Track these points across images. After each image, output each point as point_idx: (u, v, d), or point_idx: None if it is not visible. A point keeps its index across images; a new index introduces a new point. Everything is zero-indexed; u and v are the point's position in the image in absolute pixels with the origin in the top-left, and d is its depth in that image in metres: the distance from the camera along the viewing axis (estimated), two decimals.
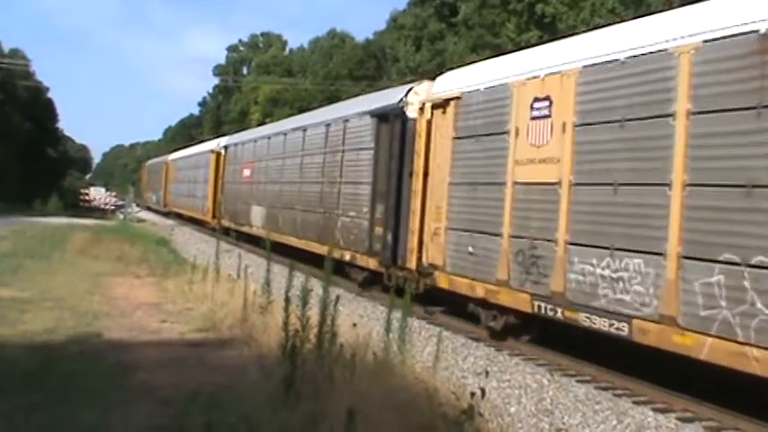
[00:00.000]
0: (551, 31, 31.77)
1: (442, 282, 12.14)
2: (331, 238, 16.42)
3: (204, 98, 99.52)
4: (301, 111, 35.82)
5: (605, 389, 8.64)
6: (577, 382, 8.95)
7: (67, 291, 12.36)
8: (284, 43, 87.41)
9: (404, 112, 13.62)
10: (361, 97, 19.29)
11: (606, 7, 30.96)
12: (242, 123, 65.02)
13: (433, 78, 13.93)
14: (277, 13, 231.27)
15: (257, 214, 23.94)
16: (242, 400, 5.90)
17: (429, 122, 13.00)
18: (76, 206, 55.17)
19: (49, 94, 65.47)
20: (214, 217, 31.55)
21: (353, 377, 6.03)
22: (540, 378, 9.06)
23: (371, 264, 14.73)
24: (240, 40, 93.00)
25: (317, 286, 6.35)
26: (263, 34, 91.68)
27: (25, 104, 55.89)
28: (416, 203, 13.00)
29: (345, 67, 56.91)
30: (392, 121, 14.07)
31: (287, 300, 6.43)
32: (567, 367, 9.64)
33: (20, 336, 8.68)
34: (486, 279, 10.82)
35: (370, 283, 15.34)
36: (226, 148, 30.97)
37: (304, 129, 20.28)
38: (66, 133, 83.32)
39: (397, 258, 13.61)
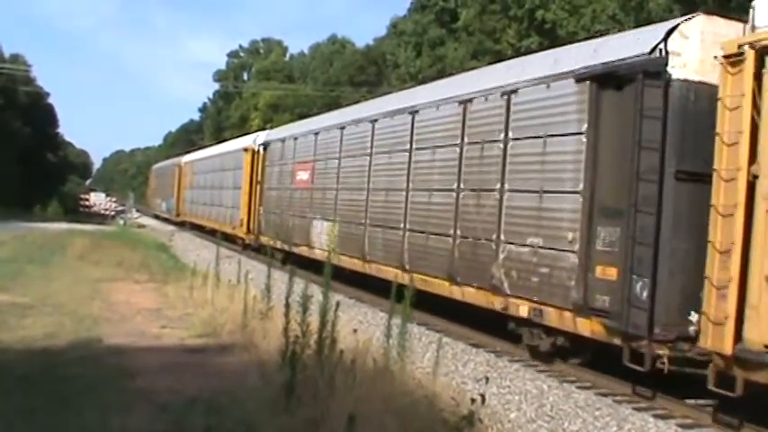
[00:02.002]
0: (552, 38, 31.83)
1: None
2: (481, 276, 10.86)
3: (204, 104, 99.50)
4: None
5: (605, 395, 8.63)
6: (578, 388, 8.93)
7: (67, 296, 12.36)
8: (285, 49, 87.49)
9: (662, 70, 8.26)
10: (539, 54, 12.35)
11: (607, 14, 30.99)
12: (242, 129, 64.97)
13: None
14: (278, 19, 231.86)
15: (322, 232, 17.83)
16: (242, 406, 5.90)
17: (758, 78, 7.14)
18: (76, 211, 55.33)
19: (50, 100, 65.63)
20: (249, 231, 25.31)
21: (354, 383, 6.02)
22: (540, 384, 9.04)
23: (585, 327, 8.97)
24: (241, 46, 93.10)
25: (317, 292, 6.36)
26: (263, 40, 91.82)
27: (26, 110, 55.95)
28: (735, 230, 7.11)
29: (346, 72, 56.95)
30: (633, 85, 8.52)
31: (287, 305, 6.44)
32: (568, 373, 9.63)
33: (19, 341, 8.68)
34: None
35: (572, 354, 9.94)
36: (266, 145, 24.31)
37: (412, 111, 13.83)
38: (67, 138, 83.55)
39: (654, 325, 8.00)
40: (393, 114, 14.75)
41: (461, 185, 11.65)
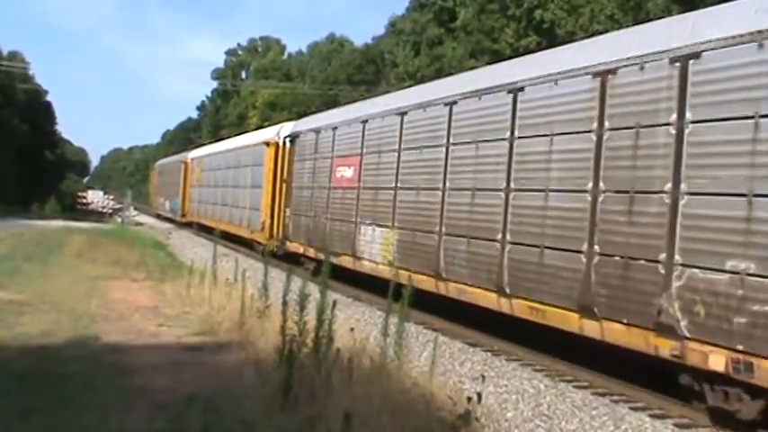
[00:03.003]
0: (550, 37, 31.86)
1: None
2: (638, 309, 8.10)
3: (203, 102, 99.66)
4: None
5: (602, 394, 8.64)
6: (574, 387, 8.94)
7: (65, 294, 12.35)
8: (283, 47, 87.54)
9: None
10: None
11: (605, 13, 31.03)
12: (240, 127, 64.97)
13: None
14: (276, 18, 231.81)
15: (373, 241, 14.85)
16: (239, 404, 5.91)
17: None
18: (74, 209, 55.23)
19: (48, 97, 65.55)
20: (272, 236, 22.21)
21: (351, 381, 6.03)
22: (537, 383, 9.05)
23: None
24: (239, 44, 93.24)
25: (314, 291, 6.37)
26: (261, 38, 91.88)
27: (24, 107, 55.89)
28: None
29: (344, 71, 56.94)
30: None
31: (284, 304, 6.44)
32: (565, 373, 9.64)
33: (16, 338, 8.67)
34: None
35: None
36: (293, 137, 21.00)
37: (513, 88, 10.65)
38: (65, 136, 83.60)
39: None
40: (481, 94, 11.52)
41: (601, 185, 8.83)
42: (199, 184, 37.41)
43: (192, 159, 40.56)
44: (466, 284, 11.31)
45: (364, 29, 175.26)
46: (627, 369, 8.95)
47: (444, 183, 12.28)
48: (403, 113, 14.14)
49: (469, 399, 4.92)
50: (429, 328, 12.25)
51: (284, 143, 21.82)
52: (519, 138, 10.45)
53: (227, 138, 42.31)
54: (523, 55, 14.82)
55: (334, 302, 6.56)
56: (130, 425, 5.71)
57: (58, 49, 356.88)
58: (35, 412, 5.87)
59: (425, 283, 12.05)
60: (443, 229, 12.08)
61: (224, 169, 31.30)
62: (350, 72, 56.25)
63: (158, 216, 51.80)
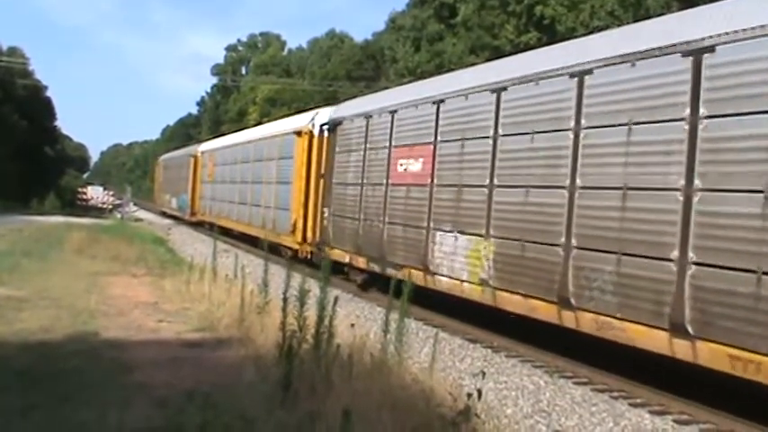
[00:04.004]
0: (550, 33, 31.84)
1: None
2: None
3: (202, 98, 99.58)
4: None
5: (602, 391, 8.65)
6: (574, 383, 8.95)
7: (64, 290, 12.33)
8: (283, 43, 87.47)
9: None
10: None
11: (605, 9, 30.99)
12: (240, 123, 64.97)
13: None
14: (276, 14, 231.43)
15: (455, 252, 11.75)
16: (239, 400, 5.90)
17: None
18: (74, 205, 55.21)
19: (48, 93, 65.51)
20: (306, 241, 19.32)
21: (351, 377, 6.03)
22: (537, 380, 9.06)
23: None
24: (239, 40, 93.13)
25: (314, 287, 6.36)
26: (261, 34, 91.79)
27: (23, 103, 55.82)
28: None
29: (344, 67, 56.88)
30: None
31: (285, 300, 6.43)
32: (564, 369, 9.65)
33: (16, 334, 8.66)
34: None
35: None
36: (333, 125, 17.70)
37: (691, 50, 7.79)
38: (64, 132, 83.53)
39: None
40: (636, 59, 8.50)
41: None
42: (211, 180, 34.41)
43: (203, 153, 37.61)
44: (613, 317, 8.45)
45: (364, 25, 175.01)
46: (626, 366, 8.95)
47: (573, 179, 9.27)
48: (500, 90, 10.95)
49: (469, 395, 4.91)
50: (429, 324, 12.25)
51: (320, 132, 18.61)
52: (708, 117, 7.54)
53: (236, 131, 40.16)
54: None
55: (336, 298, 6.56)
56: (130, 421, 5.70)
57: (57, 44, 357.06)
58: (34, 408, 5.86)
59: (541, 311, 9.69)
60: (573, 242, 9.15)
61: (241, 163, 28.31)
62: (350, 68, 56.18)
63: (163, 214, 48.97)
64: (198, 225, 35.78)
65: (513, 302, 10.22)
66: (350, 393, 5.49)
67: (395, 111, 14.38)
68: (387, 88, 20.99)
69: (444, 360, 9.53)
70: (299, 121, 21.66)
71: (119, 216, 44.30)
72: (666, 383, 8.37)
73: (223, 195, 31.24)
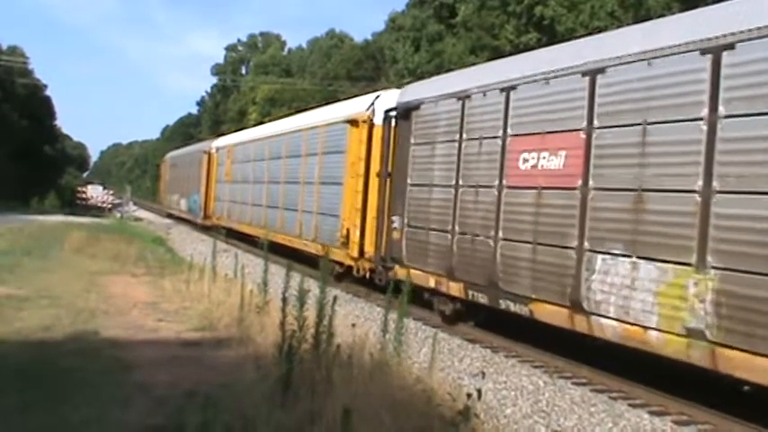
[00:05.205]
0: (550, 34, 31.85)
1: None
2: None
3: (202, 97, 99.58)
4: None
5: (601, 391, 8.65)
6: (573, 384, 8.96)
7: (64, 289, 12.34)
8: (283, 43, 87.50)
9: None
10: None
11: (605, 10, 31.01)
12: (240, 123, 64.97)
13: None
14: (276, 14, 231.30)
15: (635, 286, 8.13)
16: (238, 400, 5.90)
17: None
18: (73, 204, 55.19)
19: (47, 92, 65.57)
20: (363, 255, 15.50)
21: (350, 377, 6.04)
22: (536, 380, 9.07)
23: None
24: (239, 40, 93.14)
25: (314, 287, 6.37)
26: (261, 34, 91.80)
27: (23, 102, 55.89)
28: None
29: (344, 67, 56.90)
30: None
31: (284, 300, 6.44)
32: (564, 369, 9.65)
33: (16, 333, 8.67)
34: None
35: None
36: (407, 110, 13.72)
37: None
38: (64, 131, 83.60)
39: None
40: None
41: None
42: (229, 180, 30.08)
43: (218, 149, 33.35)
44: None
45: (364, 25, 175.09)
46: (626, 366, 8.96)
47: None
48: (722, 50, 7.40)
49: (469, 395, 4.91)
50: (428, 324, 12.25)
51: (386, 120, 14.65)
52: None
53: (257, 124, 37.13)
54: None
55: (335, 298, 6.57)
56: (130, 420, 5.72)
57: (57, 43, 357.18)
58: (34, 407, 5.87)
59: None
60: None
61: (269, 160, 24.24)
62: (350, 68, 56.20)
63: (170, 216, 45.24)
64: (210, 229, 30.59)
65: (754, 368, 6.75)
66: (350, 393, 5.50)
67: (512, 87, 10.65)
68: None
69: (444, 360, 9.54)
70: (353, 106, 17.45)
71: (118, 215, 44.30)
72: (666, 384, 8.38)
73: (245, 197, 27.08)
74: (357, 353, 6.77)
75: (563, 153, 9.49)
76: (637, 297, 8.09)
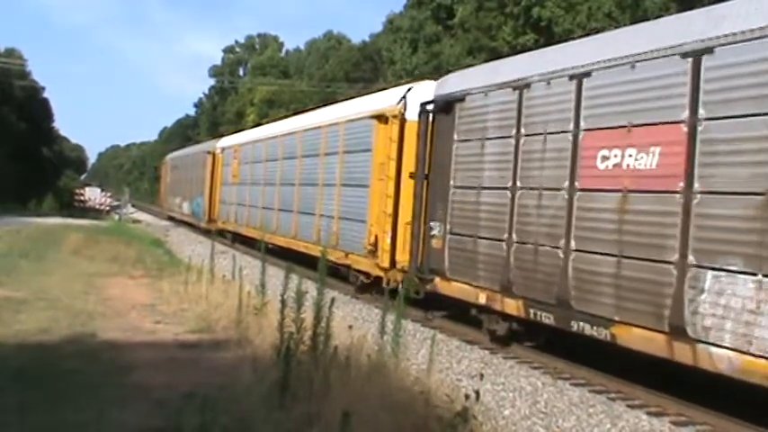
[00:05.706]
0: (548, 35, 31.87)
1: None
2: None
3: (200, 99, 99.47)
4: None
5: (599, 392, 8.66)
6: (572, 385, 8.96)
7: (62, 291, 12.34)
8: (280, 45, 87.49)
9: None
10: None
11: (603, 11, 31.04)
12: (238, 125, 64.92)
13: None
14: (274, 15, 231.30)
15: (762, 310, 6.66)
16: (237, 402, 5.90)
17: None
18: (71, 206, 55.10)
19: (45, 94, 65.42)
20: (395, 266, 13.88)
21: (348, 379, 6.03)
22: (534, 381, 9.07)
23: None
24: (236, 42, 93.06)
25: (311, 288, 6.36)
26: (259, 35, 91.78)
27: (21, 104, 55.79)
28: None
29: (341, 68, 56.89)
30: None
31: (282, 301, 6.44)
32: (562, 370, 9.65)
33: (14, 335, 8.67)
34: None
35: None
36: (445, 104, 12.29)
37: None
38: (62, 133, 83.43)
39: None
40: None
41: None
42: (236, 182, 28.31)
43: (224, 149, 31.55)
44: None
45: (362, 26, 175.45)
46: (624, 367, 8.97)
47: None
48: None
49: (467, 396, 4.92)
50: (426, 325, 12.25)
51: (422, 115, 12.83)
52: None
53: (260, 124, 35.48)
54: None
55: (333, 300, 6.57)
56: (128, 421, 5.71)
57: (55, 45, 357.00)
58: (33, 409, 5.86)
59: None
60: None
61: (281, 160, 22.47)
62: (347, 69, 56.19)
63: (171, 219, 43.76)
64: (212, 233, 27.42)
65: None
66: (348, 395, 5.50)
67: (586, 74, 9.21)
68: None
69: (442, 361, 9.53)
70: (382, 100, 15.70)
71: (116, 217, 44.26)
72: (664, 385, 8.38)
73: (254, 200, 25.36)
74: (355, 354, 6.77)
75: (656, 150, 8.04)
76: (764, 324, 6.66)
